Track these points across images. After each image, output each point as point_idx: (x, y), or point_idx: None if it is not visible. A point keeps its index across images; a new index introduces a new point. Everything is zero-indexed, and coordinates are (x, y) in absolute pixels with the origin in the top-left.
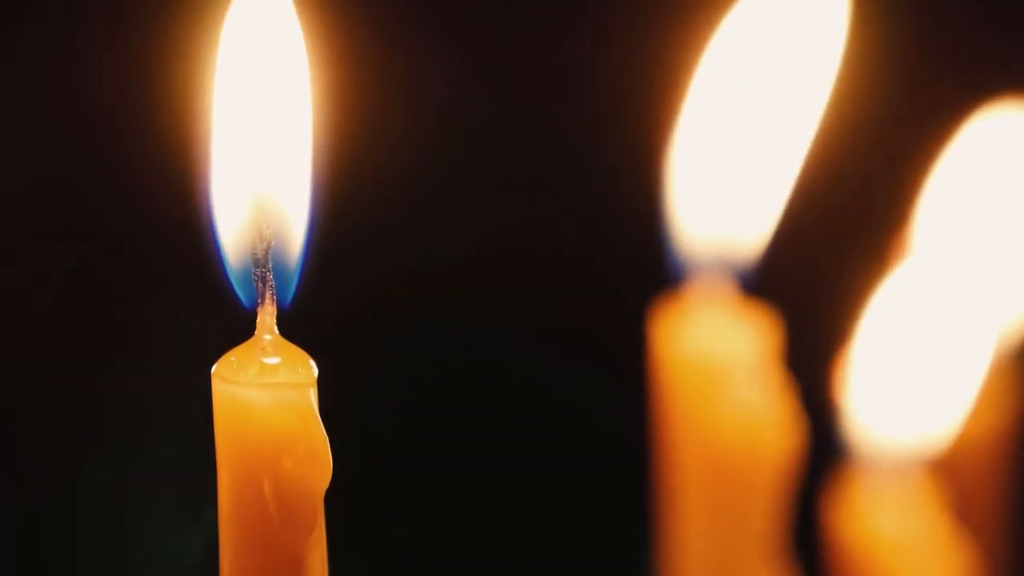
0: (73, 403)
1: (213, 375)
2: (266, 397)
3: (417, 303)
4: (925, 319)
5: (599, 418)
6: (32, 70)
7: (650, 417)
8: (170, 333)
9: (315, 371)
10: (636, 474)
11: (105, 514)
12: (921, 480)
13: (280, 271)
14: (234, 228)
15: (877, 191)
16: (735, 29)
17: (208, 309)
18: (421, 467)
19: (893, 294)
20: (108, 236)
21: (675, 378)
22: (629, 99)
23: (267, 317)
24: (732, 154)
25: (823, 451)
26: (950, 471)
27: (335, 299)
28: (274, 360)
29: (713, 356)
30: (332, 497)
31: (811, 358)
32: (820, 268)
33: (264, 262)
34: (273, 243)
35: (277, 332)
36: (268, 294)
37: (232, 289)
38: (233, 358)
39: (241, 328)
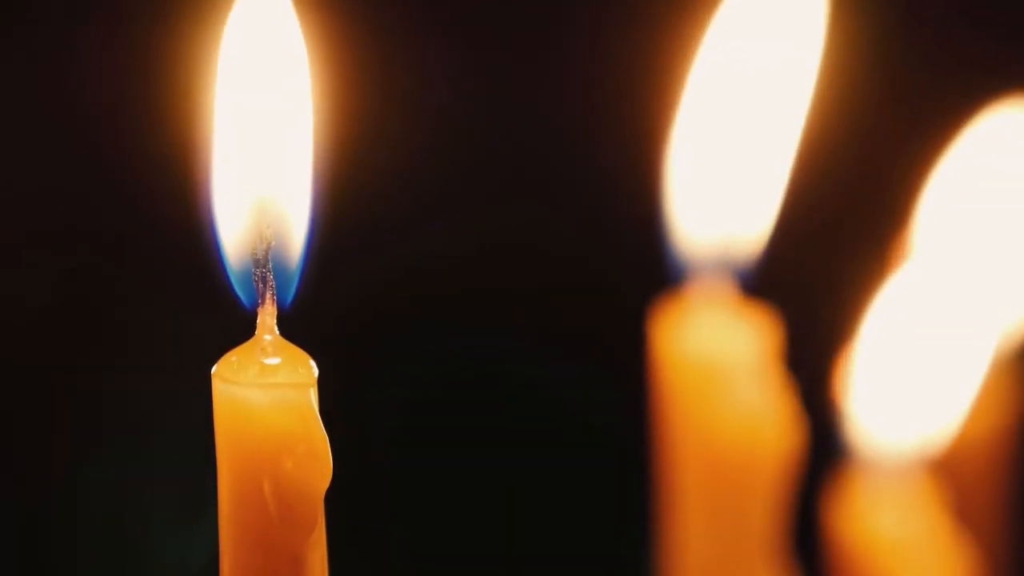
0: (73, 403)
1: (213, 375)
2: (266, 397)
3: (417, 303)
4: (925, 319)
5: (599, 418)
6: (32, 70)
7: (650, 417)
8: (170, 333)
9: (315, 371)
10: (636, 474)
11: (105, 514)
12: (921, 480)
13: (280, 271)
14: (235, 228)
15: (878, 191)
16: (730, 26)
17: (208, 309)
18: (421, 467)
19: (893, 294)
20: (108, 237)
21: (675, 378)
22: (629, 99)
23: (267, 317)
24: (731, 153)
25: (823, 451)
26: (950, 471)
27: (335, 299)
28: (274, 360)
29: (713, 356)
30: (332, 497)
31: (811, 358)
32: (820, 268)
33: (264, 262)
34: (273, 243)
35: (277, 332)
36: (268, 294)
37: (232, 289)
38: (233, 358)
39: (241, 328)
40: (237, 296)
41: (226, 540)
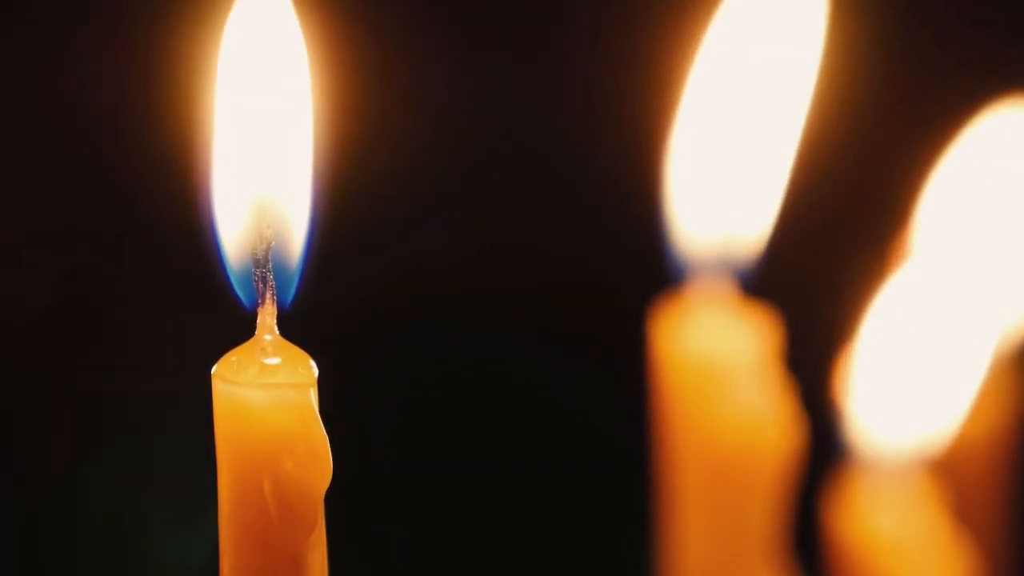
0: (73, 403)
1: (213, 375)
2: (266, 397)
3: (417, 303)
4: (925, 319)
5: (599, 418)
6: (32, 70)
7: (650, 417)
8: (170, 333)
9: (315, 371)
10: (636, 474)
11: (105, 514)
12: (921, 480)
13: (280, 271)
14: (235, 228)
15: (878, 191)
16: (730, 26)
17: (208, 309)
18: (421, 467)
19: (893, 294)
20: (108, 237)
21: (675, 378)
22: (629, 99)
23: (267, 317)
24: (731, 153)
25: (823, 451)
26: (950, 471)
27: (335, 299)
28: (274, 360)
29: (713, 356)
30: (332, 497)
31: (811, 358)
32: (820, 268)
33: (264, 262)
34: (273, 243)
35: (277, 332)
36: (268, 294)
37: (232, 289)
38: (233, 358)
39: (241, 328)
40: (237, 296)
41: (226, 540)
